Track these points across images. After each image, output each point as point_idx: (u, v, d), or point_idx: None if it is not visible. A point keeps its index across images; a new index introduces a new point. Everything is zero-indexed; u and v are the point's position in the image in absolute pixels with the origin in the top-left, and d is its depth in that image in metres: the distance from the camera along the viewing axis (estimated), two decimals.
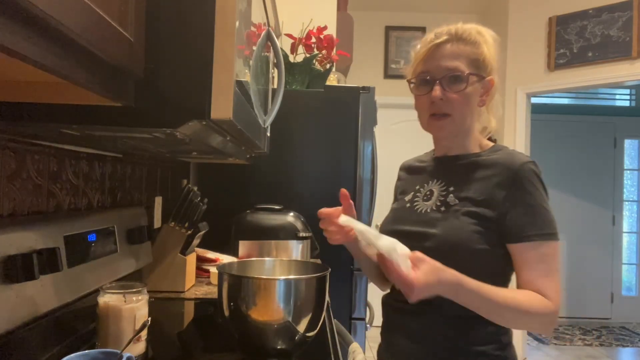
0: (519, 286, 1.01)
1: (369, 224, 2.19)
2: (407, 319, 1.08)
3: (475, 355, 1.02)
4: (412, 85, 1.10)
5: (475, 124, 1.11)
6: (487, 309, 0.97)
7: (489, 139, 1.18)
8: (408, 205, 1.15)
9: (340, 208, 1.12)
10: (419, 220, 1.09)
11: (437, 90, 1.04)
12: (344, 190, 1.14)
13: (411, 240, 1.04)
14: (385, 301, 1.16)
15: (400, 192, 1.23)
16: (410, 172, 1.24)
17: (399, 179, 1.27)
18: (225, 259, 1.81)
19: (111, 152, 1.33)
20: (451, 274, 0.93)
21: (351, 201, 1.14)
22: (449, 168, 1.12)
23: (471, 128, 1.10)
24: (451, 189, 1.08)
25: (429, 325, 1.04)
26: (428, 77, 1.06)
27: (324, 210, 1.11)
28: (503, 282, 1.04)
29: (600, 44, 3.65)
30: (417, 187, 1.16)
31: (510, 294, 0.98)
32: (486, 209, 1.01)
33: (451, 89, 1.04)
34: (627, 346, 4.69)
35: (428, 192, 1.12)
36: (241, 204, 1.95)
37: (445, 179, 1.11)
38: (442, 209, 1.06)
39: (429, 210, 1.08)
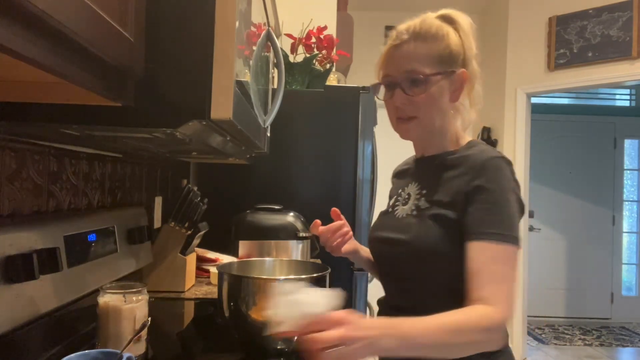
0: (466, 292, 0.88)
1: (369, 224, 2.19)
2: None
3: None
4: (378, 87, 1.06)
5: (451, 121, 1.04)
6: (427, 352, 0.80)
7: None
8: (390, 210, 1.11)
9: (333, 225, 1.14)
10: (395, 226, 1.05)
11: (397, 95, 0.99)
12: (335, 210, 1.14)
13: (386, 247, 1.05)
14: (380, 306, 1.12)
15: (390, 198, 1.19)
16: (398, 177, 1.21)
17: (392, 184, 1.24)
18: (225, 259, 1.81)
19: (111, 152, 1.33)
20: (380, 321, 0.82)
21: (343, 219, 1.15)
22: (425, 169, 1.07)
23: (445, 126, 1.03)
24: (424, 191, 1.03)
25: None
26: (389, 81, 1.02)
27: (320, 228, 1.13)
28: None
29: (600, 44, 3.65)
30: (400, 191, 1.12)
31: (446, 323, 0.81)
32: (451, 210, 0.94)
33: (412, 92, 0.98)
34: (627, 346, 4.69)
35: (407, 196, 1.08)
36: (241, 204, 1.95)
37: (421, 181, 1.06)
38: (415, 213, 1.01)
39: (405, 215, 1.04)
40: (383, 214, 1.14)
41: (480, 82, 1.05)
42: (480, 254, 0.89)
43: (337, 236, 1.13)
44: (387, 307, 1.08)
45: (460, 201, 0.94)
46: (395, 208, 1.09)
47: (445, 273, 0.94)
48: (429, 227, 0.96)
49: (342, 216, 1.15)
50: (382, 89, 1.05)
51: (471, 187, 0.93)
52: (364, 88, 2.16)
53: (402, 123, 1.02)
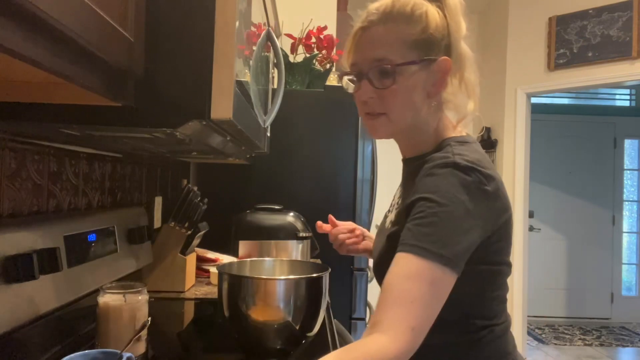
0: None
1: (368, 224, 2.19)
2: None
3: None
4: (347, 78, 0.90)
5: (431, 117, 0.88)
6: None
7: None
8: (385, 215, 1.01)
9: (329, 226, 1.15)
10: (377, 238, 0.97)
11: (364, 88, 0.85)
12: (330, 217, 1.14)
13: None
14: None
15: None
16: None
17: None
18: (225, 259, 1.81)
19: (111, 152, 1.33)
20: None
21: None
22: (406, 174, 0.95)
23: (420, 124, 0.88)
24: (399, 201, 0.92)
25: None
26: (356, 71, 0.87)
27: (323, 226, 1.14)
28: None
29: (600, 44, 3.65)
30: (394, 194, 1.01)
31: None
32: (402, 225, 0.80)
33: (381, 84, 0.83)
34: (627, 346, 4.69)
35: (395, 203, 0.96)
36: (241, 204, 1.95)
37: (403, 187, 0.95)
38: (388, 226, 0.91)
39: (386, 227, 0.93)
40: (385, 217, 1.04)
41: (474, 67, 0.89)
42: (396, 266, 0.74)
43: (352, 236, 1.12)
44: None
45: (406, 215, 0.79)
46: (387, 214, 0.98)
47: None
48: (387, 247, 0.86)
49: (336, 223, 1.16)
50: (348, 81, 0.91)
51: (412, 200, 0.79)
52: None
53: (369, 119, 0.88)
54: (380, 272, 0.84)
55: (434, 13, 0.84)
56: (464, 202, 0.75)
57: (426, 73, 0.84)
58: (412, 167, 0.88)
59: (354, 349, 0.69)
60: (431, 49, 0.83)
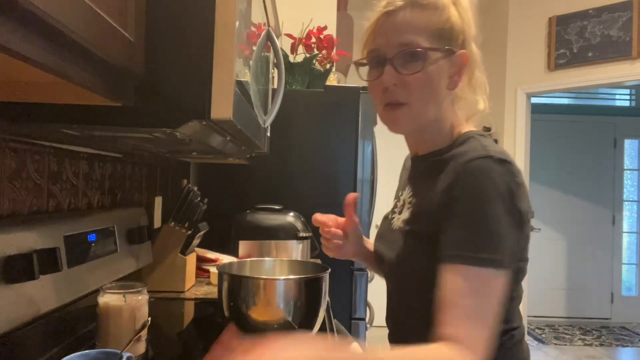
0: (436, 324, 0.73)
1: (368, 224, 2.19)
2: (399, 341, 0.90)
3: None
4: (362, 67, 0.88)
5: (447, 111, 0.87)
6: None
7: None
8: (388, 217, 0.99)
9: (333, 217, 1.04)
10: (388, 239, 0.93)
11: (387, 73, 0.81)
12: (352, 196, 0.98)
13: (380, 261, 0.96)
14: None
15: (397, 190, 1.07)
16: (403, 170, 1.06)
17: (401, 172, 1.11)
18: (225, 259, 1.81)
19: (111, 152, 1.33)
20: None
21: (356, 218, 1.00)
22: (418, 172, 0.93)
23: (440, 118, 0.86)
24: (413, 200, 0.89)
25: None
26: (378, 56, 0.83)
27: (318, 218, 1.02)
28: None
29: (600, 44, 3.65)
30: (399, 195, 0.99)
31: (405, 354, 0.70)
32: (432, 225, 0.78)
33: (407, 69, 0.80)
34: (627, 346, 4.69)
35: (402, 204, 0.94)
36: (241, 204, 1.95)
37: (414, 186, 0.92)
38: (402, 226, 0.89)
39: (396, 228, 0.91)
40: (384, 218, 1.03)
41: (482, 67, 0.89)
42: (452, 281, 0.72)
43: (333, 233, 1.01)
44: (393, 315, 0.97)
45: (437, 214, 0.78)
46: (393, 216, 0.96)
47: (424, 296, 0.78)
48: (410, 247, 0.84)
49: (353, 212, 1.01)
50: (366, 69, 0.87)
51: (450, 197, 0.76)
52: (364, 88, 2.16)
53: (389, 110, 0.84)
54: (400, 272, 0.84)
55: (452, 8, 0.83)
56: (504, 197, 0.73)
57: (448, 63, 0.83)
58: (428, 163, 0.87)
59: (434, 356, 0.69)
60: (452, 40, 0.83)
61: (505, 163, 0.75)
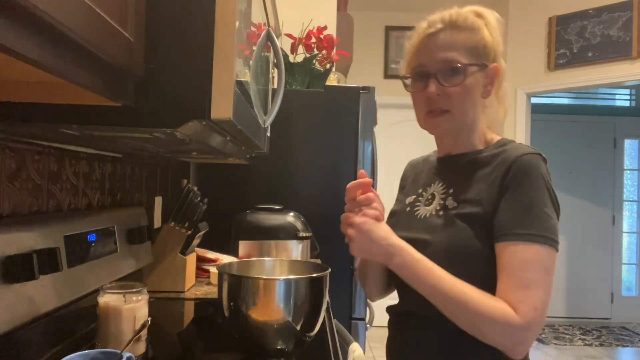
0: (496, 293, 0.87)
1: None
2: (408, 334, 1.01)
3: None
4: (406, 81, 1.02)
5: (481, 117, 1.01)
6: (430, 292, 0.89)
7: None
8: (408, 209, 1.07)
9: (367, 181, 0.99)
10: (419, 227, 1.01)
11: (432, 86, 0.95)
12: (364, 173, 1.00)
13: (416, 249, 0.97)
14: (389, 316, 1.09)
15: (402, 190, 1.17)
16: (415, 171, 1.16)
17: (403, 174, 1.20)
18: (225, 259, 1.81)
19: (111, 152, 1.33)
20: (398, 240, 0.91)
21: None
22: (451, 168, 1.04)
23: (475, 123, 1.00)
24: (451, 191, 1.00)
25: (425, 340, 0.97)
26: (423, 71, 0.98)
27: (354, 184, 0.98)
28: None
29: (600, 44, 3.65)
30: (420, 191, 1.08)
31: (459, 284, 0.87)
32: (481, 209, 0.92)
33: (449, 82, 0.95)
34: (627, 346, 4.69)
35: (430, 196, 1.04)
36: (241, 204, 1.95)
37: (446, 180, 1.03)
38: (441, 213, 0.98)
39: (428, 216, 1.01)
40: (399, 212, 1.09)
41: (506, 79, 1.04)
42: (512, 256, 0.86)
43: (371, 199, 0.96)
44: (404, 315, 1.03)
45: (492, 200, 0.91)
46: (416, 208, 1.05)
47: (475, 275, 0.89)
48: (457, 226, 0.93)
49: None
50: (410, 82, 1.01)
51: (504, 185, 0.90)
52: (364, 88, 2.16)
53: (432, 117, 0.98)
54: (454, 249, 0.92)
55: (484, 27, 0.98)
56: (549, 187, 0.91)
57: (483, 75, 0.98)
58: (465, 161, 1.01)
59: (489, 299, 0.85)
60: (486, 56, 0.97)
61: (545, 160, 0.94)
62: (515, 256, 0.86)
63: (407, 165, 1.22)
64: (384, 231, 0.92)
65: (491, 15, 1.00)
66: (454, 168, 1.03)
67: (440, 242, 0.94)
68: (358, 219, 0.93)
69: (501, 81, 1.01)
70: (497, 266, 0.88)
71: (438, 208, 1.00)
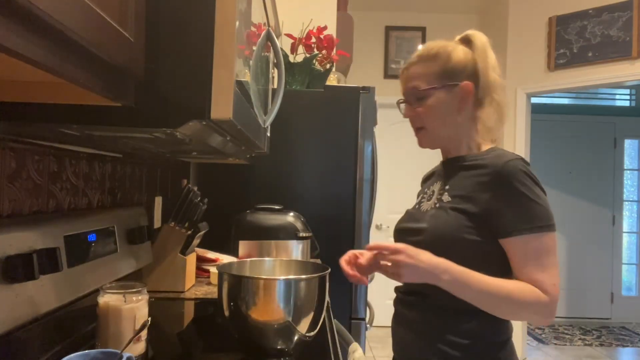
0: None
1: (368, 224, 2.19)
2: (407, 310, 1.14)
3: (463, 349, 1.05)
4: (400, 106, 1.23)
5: (470, 127, 1.16)
6: (476, 296, 1.01)
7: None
8: (416, 206, 1.23)
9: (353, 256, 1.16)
10: (420, 218, 1.16)
11: (405, 110, 1.19)
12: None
13: (406, 235, 1.15)
14: (395, 294, 1.22)
15: (417, 196, 1.32)
16: (425, 180, 1.33)
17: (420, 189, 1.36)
18: (225, 259, 1.81)
19: (111, 152, 1.33)
20: (438, 258, 1.01)
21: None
22: (449, 169, 1.18)
23: (459, 132, 1.16)
24: (447, 187, 1.14)
25: (422, 316, 1.10)
26: (403, 99, 1.20)
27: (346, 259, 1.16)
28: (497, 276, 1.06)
29: (600, 44, 3.65)
30: (425, 190, 1.25)
31: (500, 282, 1.01)
32: (471, 204, 1.06)
33: (415, 105, 1.15)
34: (627, 346, 4.69)
35: (431, 193, 1.20)
36: (241, 204, 1.95)
37: (445, 179, 1.18)
38: (438, 205, 1.13)
39: (429, 209, 1.15)
40: (410, 210, 1.25)
41: (504, 92, 1.18)
42: (525, 247, 1.02)
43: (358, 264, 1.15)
44: (406, 293, 1.17)
45: (485, 200, 1.04)
46: (420, 204, 1.22)
47: (460, 257, 1.02)
48: (447, 215, 1.08)
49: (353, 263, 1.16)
50: (402, 107, 1.23)
51: (495, 189, 1.04)
52: (364, 88, 2.16)
53: (416, 133, 1.19)
54: (435, 232, 1.07)
55: (458, 51, 1.14)
56: (537, 183, 1.04)
57: (449, 94, 1.13)
58: (457, 165, 1.15)
59: (524, 288, 1.01)
60: (454, 76, 1.13)
61: (528, 163, 1.07)
62: (527, 246, 1.02)
63: (421, 181, 1.38)
64: (424, 254, 1.02)
65: (477, 38, 1.18)
66: (451, 169, 1.18)
67: (433, 227, 1.09)
68: (400, 253, 1.02)
69: (491, 94, 1.15)
70: (511, 258, 1.04)
71: (436, 202, 1.15)
